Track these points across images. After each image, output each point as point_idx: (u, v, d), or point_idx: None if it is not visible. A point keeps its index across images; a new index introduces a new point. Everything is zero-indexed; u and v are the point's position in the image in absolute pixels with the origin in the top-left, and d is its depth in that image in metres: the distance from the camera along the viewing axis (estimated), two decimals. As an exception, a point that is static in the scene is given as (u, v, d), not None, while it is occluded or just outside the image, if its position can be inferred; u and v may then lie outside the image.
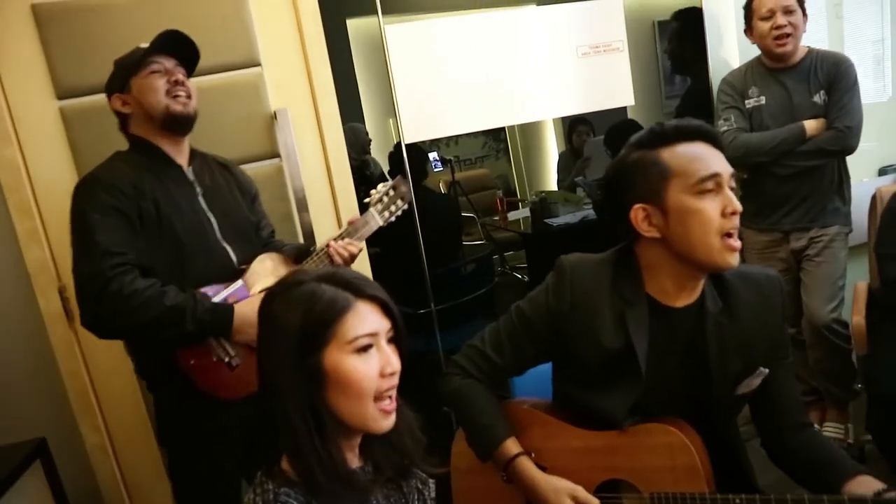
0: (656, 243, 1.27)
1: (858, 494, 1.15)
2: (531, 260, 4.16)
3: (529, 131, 5.44)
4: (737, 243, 1.21)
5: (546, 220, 3.89)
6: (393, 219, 1.84)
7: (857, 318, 2.28)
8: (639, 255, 1.32)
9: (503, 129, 5.48)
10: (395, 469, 1.09)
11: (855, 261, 2.64)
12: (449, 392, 1.43)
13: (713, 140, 1.26)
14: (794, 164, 2.44)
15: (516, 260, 5.29)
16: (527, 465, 1.33)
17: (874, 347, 2.19)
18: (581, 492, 1.29)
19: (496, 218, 4.50)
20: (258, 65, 2.10)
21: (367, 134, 2.72)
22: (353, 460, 1.04)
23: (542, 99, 2.60)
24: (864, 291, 2.37)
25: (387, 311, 1.02)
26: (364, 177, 2.66)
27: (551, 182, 5.37)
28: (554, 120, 5.12)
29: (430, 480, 1.17)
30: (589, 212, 3.53)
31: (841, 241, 2.51)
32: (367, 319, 0.98)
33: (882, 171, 2.99)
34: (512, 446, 1.35)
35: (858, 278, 2.53)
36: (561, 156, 4.51)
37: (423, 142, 2.73)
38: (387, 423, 1.01)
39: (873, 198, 2.46)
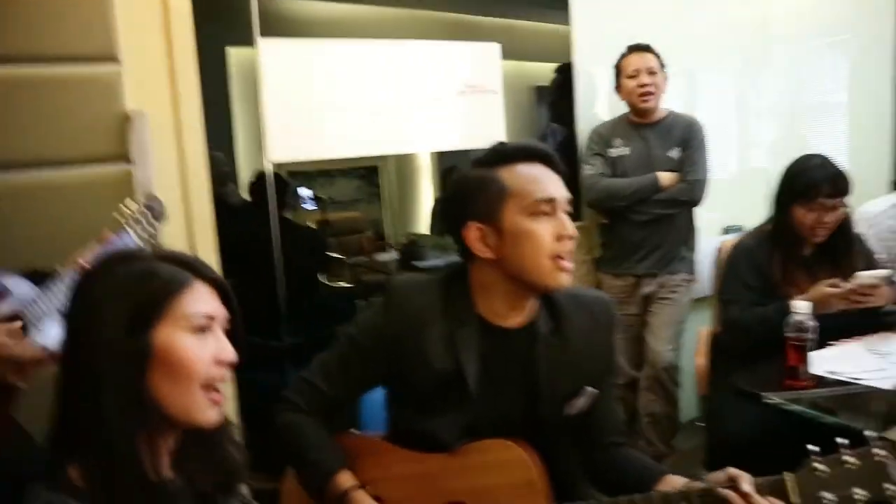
0: (489, 263, 1.26)
1: (665, 491, 1.17)
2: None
3: (404, 176, 5.49)
4: (568, 265, 1.24)
5: (414, 262, 3.89)
6: (152, 240, 1.57)
7: (699, 359, 2.42)
8: (472, 275, 1.31)
9: (377, 172, 5.51)
10: (214, 484, 0.97)
11: (700, 311, 2.83)
12: (278, 428, 1.34)
13: (552, 164, 1.28)
14: (648, 212, 2.64)
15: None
16: (360, 499, 1.24)
17: (715, 390, 2.30)
18: None
19: (365, 258, 4.45)
20: (116, 60, 1.96)
21: (226, 165, 2.59)
22: (165, 469, 0.91)
23: (418, 131, 2.64)
24: (707, 336, 2.51)
25: (226, 300, 0.95)
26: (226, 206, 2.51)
27: (422, 227, 5.41)
28: (431, 163, 5.22)
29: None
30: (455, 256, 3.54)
31: (685, 288, 2.74)
32: (206, 300, 0.92)
33: (726, 231, 3.26)
34: (344, 480, 1.26)
35: (703, 327, 2.69)
36: (436, 202, 4.56)
37: (295, 174, 2.65)
38: (213, 414, 0.91)
39: (718, 250, 2.63)
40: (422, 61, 2.61)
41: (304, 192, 4.33)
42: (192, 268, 0.93)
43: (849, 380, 1.77)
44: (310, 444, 1.29)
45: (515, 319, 1.30)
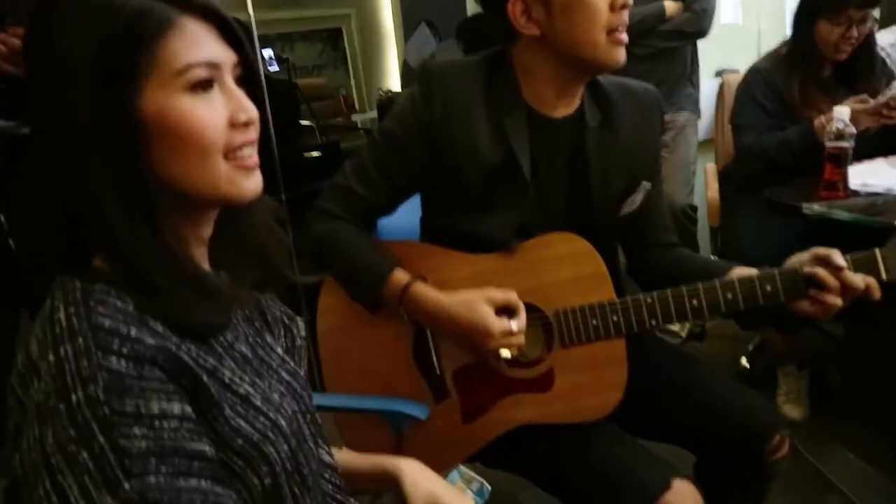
0: (535, 43, 1.10)
1: (746, 274, 1.10)
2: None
3: (369, 36, 5.18)
4: (624, 37, 1.08)
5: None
6: None
7: (710, 193, 2.36)
8: (514, 59, 1.15)
9: (341, 35, 5.17)
10: (255, 278, 0.80)
11: (703, 154, 2.76)
12: (314, 239, 1.18)
13: None
14: (652, 45, 2.48)
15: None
16: (424, 289, 1.12)
17: (729, 219, 2.25)
18: (495, 292, 1.09)
19: (339, 120, 4.20)
20: None
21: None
22: (204, 264, 0.74)
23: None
24: (714, 170, 2.44)
25: (231, 37, 0.70)
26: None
27: (394, 84, 5.17)
28: (394, 23, 4.92)
29: (299, 318, 0.91)
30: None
31: (692, 128, 2.64)
32: (201, 43, 0.67)
33: (718, 73, 3.15)
34: (401, 275, 1.13)
35: (709, 164, 2.62)
36: (405, 60, 4.31)
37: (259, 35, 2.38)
38: (252, 182, 0.71)
39: (721, 85, 2.52)
40: None
41: (266, 52, 4.03)
42: None
43: (884, 191, 1.71)
44: (355, 249, 1.15)
45: (564, 109, 1.16)
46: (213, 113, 0.67)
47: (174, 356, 0.63)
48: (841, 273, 1.03)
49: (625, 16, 1.07)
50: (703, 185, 2.48)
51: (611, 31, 1.06)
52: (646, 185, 1.23)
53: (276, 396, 0.74)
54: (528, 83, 1.15)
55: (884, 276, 1.03)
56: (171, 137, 0.65)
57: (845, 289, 1.03)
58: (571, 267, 1.13)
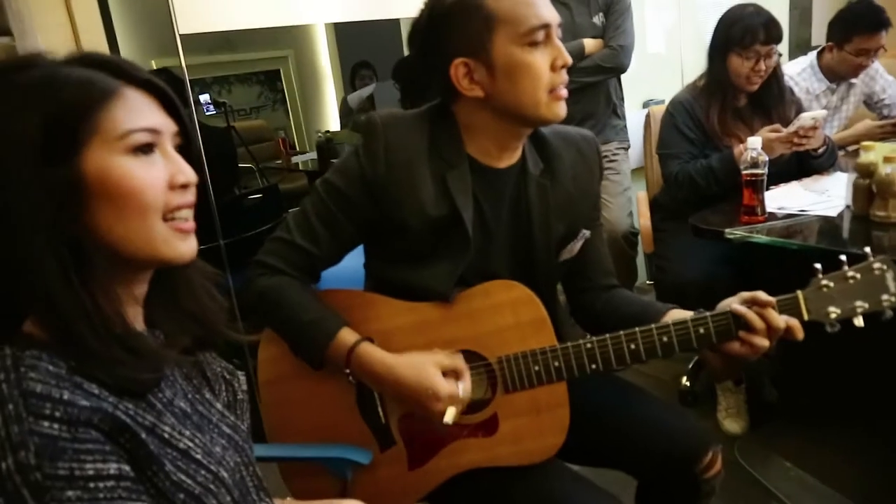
0: (478, 101, 1.13)
1: (678, 318, 1.12)
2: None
3: (306, 78, 5.20)
4: (564, 93, 1.12)
5: (333, 161, 3.71)
6: None
7: (643, 220, 2.45)
8: (457, 115, 1.17)
9: (279, 77, 5.18)
10: (193, 339, 0.80)
11: (636, 180, 2.86)
12: (256, 294, 1.16)
13: None
14: (575, 80, 2.55)
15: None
16: (371, 350, 1.12)
17: (659, 245, 2.35)
18: (443, 356, 1.11)
19: (279, 162, 4.19)
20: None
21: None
22: (137, 323, 0.75)
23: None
24: (645, 199, 2.54)
25: (168, 106, 0.74)
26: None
27: (332, 125, 5.19)
28: (332, 64, 4.96)
29: (240, 372, 0.91)
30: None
31: (623, 155, 2.73)
32: (142, 112, 0.70)
33: (645, 104, 3.28)
34: (348, 335, 1.13)
35: (640, 192, 2.72)
36: (343, 101, 4.34)
37: (194, 80, 2.38)
38: (187, 246, 0.73)
39: (647, 116, 2.63)
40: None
41: (203, 97, 4.01)
42: (118, 70, 0.70)
43: (798, 212, 1.81)
44: (299, 308, 1.14)
45: (507, 160, 1.19)
46: (153, 174, 0.69)
47: (110, 416, 0.63)
48: (766, 311, 1.06)
49: (564, 74, 1.11)
50: (636, 213, 2.57)
51: (552, 90, 1.09)
52: (585, 233, 1.27)
53: (217, 450, 0.75)
54: (471, 138, 1.17)
55: (805, 316, 1.07)
56: (111, 197, 0.66)
57: (770, 329, 1.06)
58: (512, 314, 1.15)
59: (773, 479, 1.94)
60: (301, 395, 1.22)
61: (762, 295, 1.08)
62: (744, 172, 1.77)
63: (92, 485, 0.60)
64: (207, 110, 3.84)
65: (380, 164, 1.14)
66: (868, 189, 1.67)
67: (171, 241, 0.71)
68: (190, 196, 0.73)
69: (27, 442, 0.57)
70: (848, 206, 1.75)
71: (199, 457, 0.71)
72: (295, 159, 4.41)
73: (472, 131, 1.17)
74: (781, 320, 1.06)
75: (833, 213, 1.77)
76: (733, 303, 1.10)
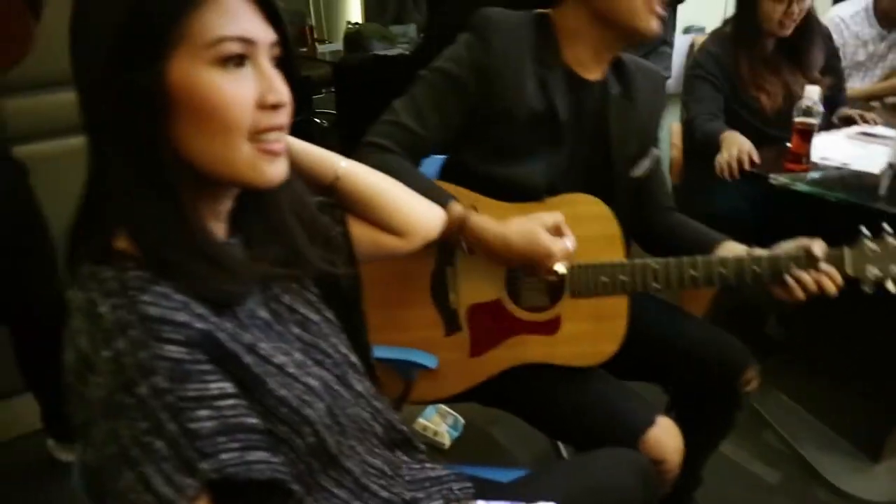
0: (577, 6, 1.19)
1: (738, 256, 1.19)
2: (341, 95, 3.88)
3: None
4: (660, 9, 1.16)
5: (353, 54, 3.63)
6: None
7: (674, 151, 2.48)
8: (557, 21, 1.24)
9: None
10: (273, 256, 0.77)
11: (671, 107, 2.85)
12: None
13: None
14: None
15: (319, 105, 4.97)
16: (482, 219, 1.14)
17: (690, 174, 2.40)
18: (546, 216, 1.14)
19: (304, 50, 4.08)
20: None
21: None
22: (220, 233, 0.74)
23: None
24: (679, 130, 2.55)
25: (271, 15, 0.68)
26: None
27: (355, 15, 5.06)
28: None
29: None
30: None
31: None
32: (237, 17, 0.64)
33: (686, 30, 3.23)
34: (458, 206, 1.14)
35: (674, 122, 2.73)
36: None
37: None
38: (274, 169, 0.69)
39: (690, 46, 2.62)
40: None
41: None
42: None
43: (841, 165, 1.86)
44: (413, 177, 1.12)
45: (596, 73, 1.26)
46: (241, 90, 0.65)
47: (215, 340, 0.65)
48: (816, 262, 1.13)
49: None
50: (668, 143, 2.59)
51: (649, 2, 1.15)
52: (655, 151, 1.35)
53: (300, 357, 0.76)
54: (569, 45, 1.23)
55: (848, 271, 1.14)
56: (193, 112, 0.63)
57: (820, 285, 1.13)
58: (591, 227, 1.21)
59: (769, 409, 2.09)
60: (379, 275, 1.23)
61: (817, 248, 1.13)
62: (796, 120, 1.80)
63: (218, 403, 0.62)
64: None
65: (493, 52, 1.19)
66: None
67: (257, 163, 0.67)
68: (282, 117, 0.68)
69: (156, 367, 0.59)
70: (891, 165, 1.80)
71: (292, 370, 0.72)
72: (322, 48, 4.30)
73: (570, 37, 1.23)
74: (837, 283, 1.13)
75: (875, 169, 1.80)
76: (791, 249, 1.16)
